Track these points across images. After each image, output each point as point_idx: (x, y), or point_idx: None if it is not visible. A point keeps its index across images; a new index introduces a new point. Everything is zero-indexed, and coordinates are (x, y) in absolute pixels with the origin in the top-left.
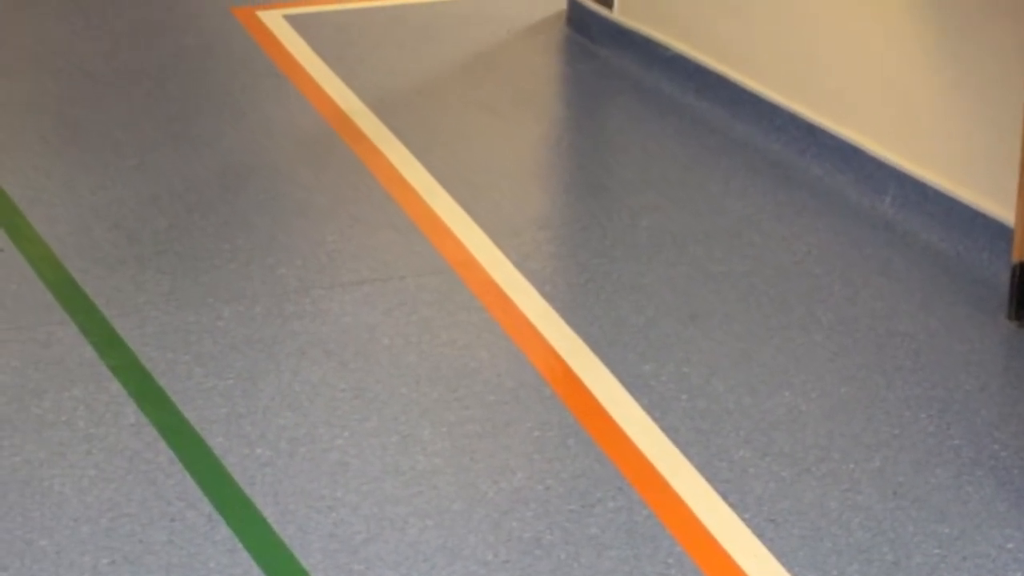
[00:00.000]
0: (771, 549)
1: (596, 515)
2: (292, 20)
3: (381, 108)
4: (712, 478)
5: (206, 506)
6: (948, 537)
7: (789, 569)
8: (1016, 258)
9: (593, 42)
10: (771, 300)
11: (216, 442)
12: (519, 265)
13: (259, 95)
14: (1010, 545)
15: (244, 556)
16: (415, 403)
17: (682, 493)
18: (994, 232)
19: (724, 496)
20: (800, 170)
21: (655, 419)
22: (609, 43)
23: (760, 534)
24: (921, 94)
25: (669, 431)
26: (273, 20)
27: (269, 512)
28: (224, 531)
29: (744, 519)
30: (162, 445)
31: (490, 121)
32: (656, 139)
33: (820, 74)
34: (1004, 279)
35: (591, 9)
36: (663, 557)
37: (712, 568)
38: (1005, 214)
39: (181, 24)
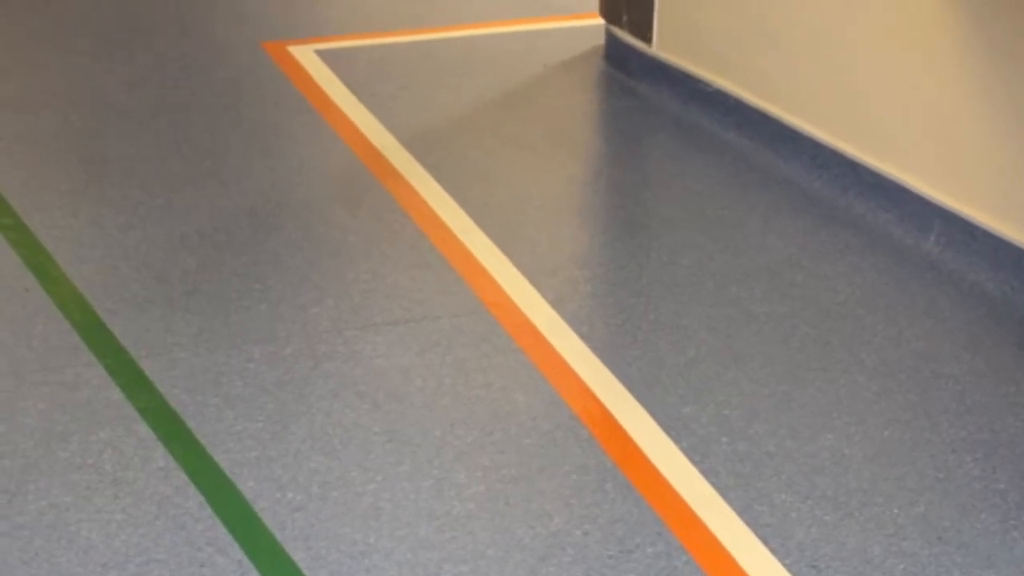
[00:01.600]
0: None
1: (635, 561)
2: (324, 55)
3: (415, 144)
4: (753, 522)
5: (236, 552)
6: None
7: None
8: None
9: (631, 77)
10: (813, 341)
11: (247, 486)
12: (556, 305)
13: (290, 131)
14: None
15: None
16: (449, 446)
17: (722, 538)
18: None
19: (765, 541)
20: (842, 208)
21: (695, 462)
22: (647, 78)
23: None
24: (966, 130)
25: (709, 474)
26: (304, 55)
27: (300, 558)
28: None
29: (785, 564)
30: (191, 489)
31: (526, 158)
32: (695, 176)
33: (863, 110)
34: None
35: (629, 44)
36: None
37: None
38: None
39: (210, 58)
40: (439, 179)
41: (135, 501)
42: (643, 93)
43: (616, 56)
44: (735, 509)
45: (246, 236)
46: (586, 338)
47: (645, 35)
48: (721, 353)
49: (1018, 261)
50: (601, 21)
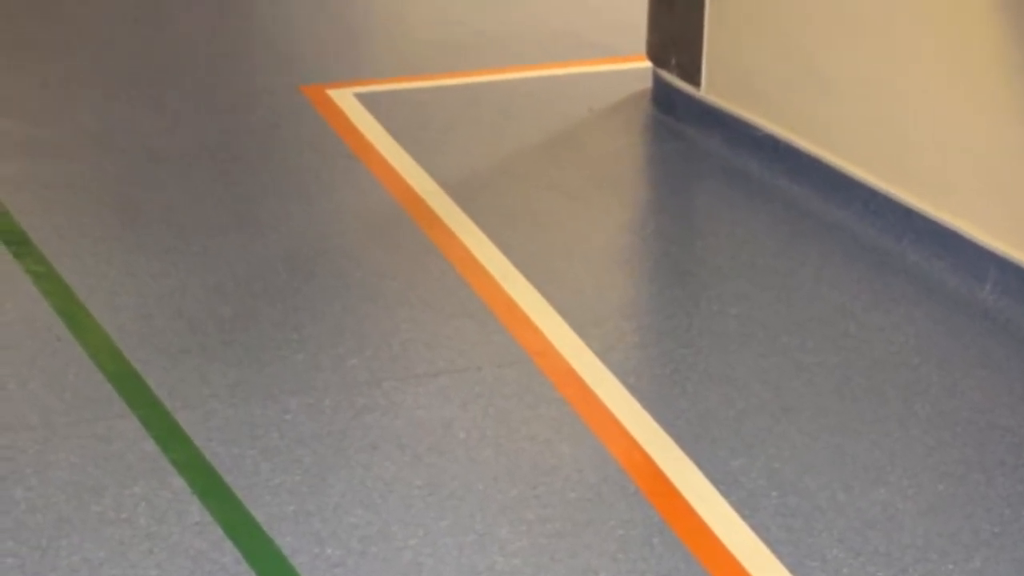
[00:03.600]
0: None
1: None
2: (363, 98)
3: (456, 190)
4: None
5: None
6: None
7: None
8: None
9: (679, 121)
10: (866, 392)
11: (284, 541)
12: (601, 355)
13: (329, 176)
14: None
15: None
16: (492, 500)
17: None
18: None
19: None
20: (896, 256)
21: (744, 517)
22: (696, 123)
23: None
24: (1022, 175)
25: (759, 529)
26: (344, 98)
27: None
28: None
29: None
30: (228, 544)
31: (571, 204)
32: (745, 223)
33: (916, 155)
34: None
35: (677, 87)
36: None
37: None
38: None
39: (247, 102)
40: (481, 225)
41: (169, 556)
42: (691, 138)
43: (664, 100)
44: (786, 565)
45: (283, 284)
46: (633, 389)
47: (693, 78)
48: (771, 405)
49: None
50: (648, 64)
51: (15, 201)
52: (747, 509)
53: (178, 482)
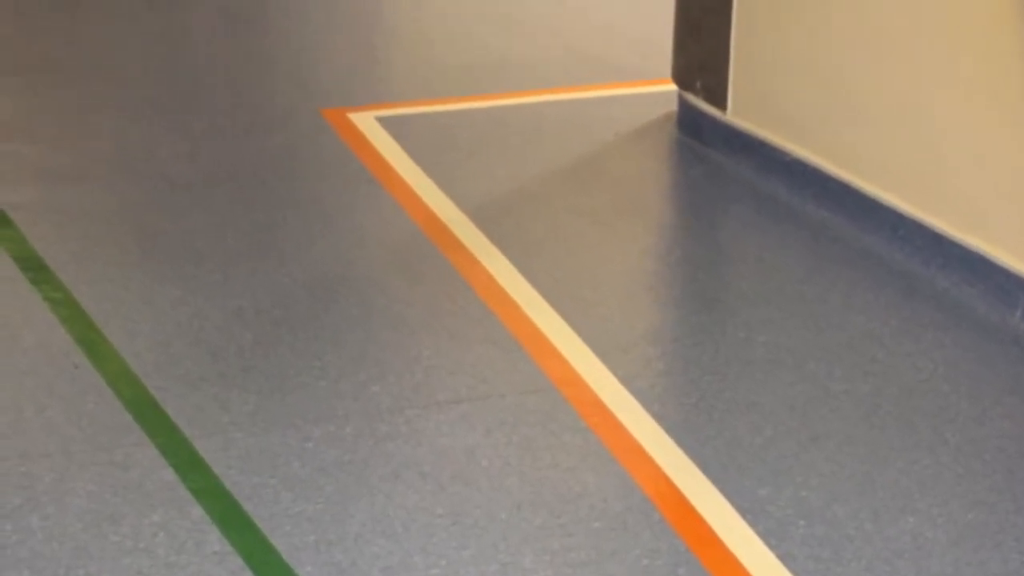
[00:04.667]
0: None
1: None
2: (386, 122)
3: (480, 216)
4: None
5: None
6: None
7: None
8: None
9: (705, 145)
10: (895, 420)
11: (305, 571)
12: (627, 383)
13: (351, 202)
14: None
15: None
16: (516, 529)
17: None
18: None
19: None
20: (926, 282)
21: (771, 546)
22: (722, 146)
23: None
24: None
25: (786, 559)
26: (365, 122)
27: None
28: None
29: None
30: (248, 574)
31: (596, 230)
32: (773, 249)
33: (947, 180)
34: None
35: (703, 110)
36: None
37: None
38: None
39: (267, 126)
40: (505, 251)
41: None
42: (717, 162)
43: (689, 123)
44: None
45: (304, 311)
46: (658, 417)
47: (720, 102)
48: (799, 432)
49: None
50: (674, 87)
51: (32, 227)
52: (774, 538)
53: (197, 511)
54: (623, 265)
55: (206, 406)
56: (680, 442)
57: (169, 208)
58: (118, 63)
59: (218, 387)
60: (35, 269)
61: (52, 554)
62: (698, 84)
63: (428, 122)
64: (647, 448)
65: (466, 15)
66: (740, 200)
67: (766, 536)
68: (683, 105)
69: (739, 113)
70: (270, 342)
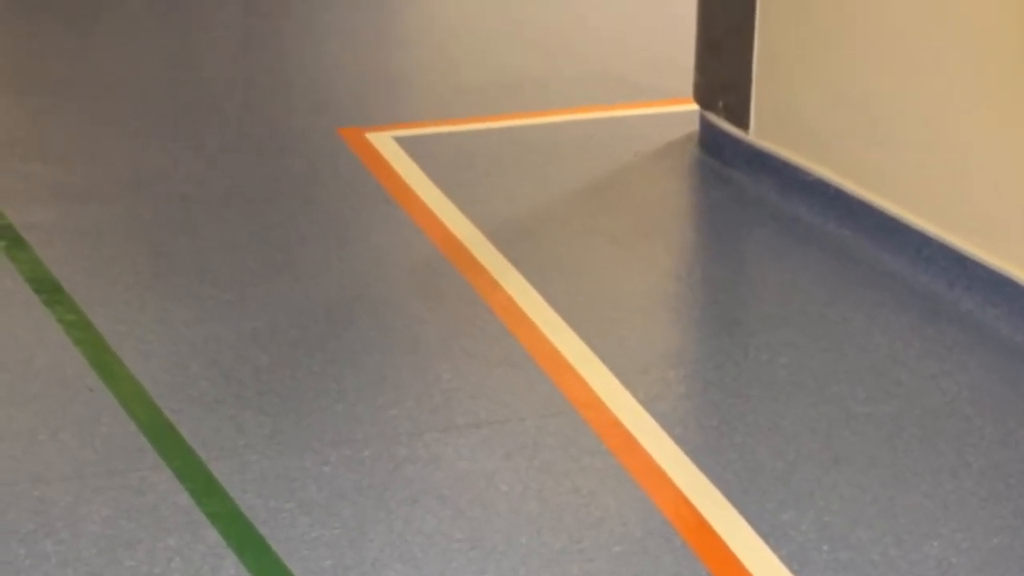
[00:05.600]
0: None
1: None
2: (403, 142)
3: (499, 236)
4: None
5: None
6: None
7: None
8: None
9: (727, 166)
10: (919, 443)
11: None
12: (647, 406)
13: (368, 222)
14: None
15: None
16: (536, 554)
17: None
18: None
19: None
20: (949, 303)
21: (794, 571)
22: (744, 167)
23: None
24: None
25: None
26: (383, 142)
27: None
28: None
29: None
30: None
31: (616, 251)
32: (795, 270)
33: (972, 200)
34: None
35: (725, 130)
36: None
37: None
38: None
39: (283, 145)
40: (524, 272)
41: None
42: (739, 182)
43: (711, 143)
44: None
45: (321, 332)
46: (680, 440)
47: (742, 121)
48: (822, 456)
49: None
50: (695, 107)
51: (46, 248)
52: (797, 563)
53: (213, 535)
54: (643, 286)
55: (222, 429)
56: (701, 465)
57: (184, 228)
58: (133, 82)
59: (234, 409)
60: (49, 290)
61: None
62: (720, 104)
63: (446, 142)
64: (668, 471)
65: (485, 34)
66: (762, 221)
67: (788, 560)
68: (705, 125)
69: (761, 133)
70: (287, 364)
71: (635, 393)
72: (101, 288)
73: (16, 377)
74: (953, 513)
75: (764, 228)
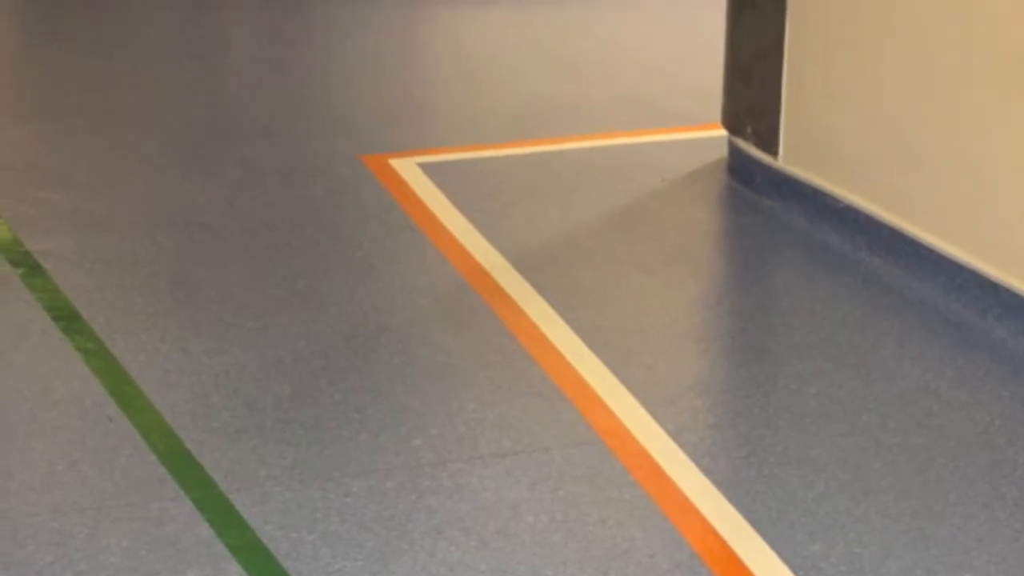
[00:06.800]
0: None
1: None
2: (427, 168)
3: (524, 264)
4: None
5: None
6: None
7: None
8: None
9: (756, 192)
10: (950, 474)
11: None
12: (675, 436)
13: (392, 250)
14: None
15: None
16: None
17: None
18: None
19: None
20: (982, 332)
21: None
22: (773, 193)
23: None
24: None
25: None
26: (407, 168)
27: None
28: None
29: None
30: None
31: (643, 278)
32: (825, 299)
33: (1004, 227)
34: None
35: (754, 156)
36: None
37: None
38: None
39: (306, 172)
40: (550, 301)
41: None
42: (768, 209)
43: (740, 170)
44: None
45: (344, 362)
46: (708, 471)
47: (771, 147)
48: (852, 487)
49: None
50: (723, 132)
51: (65, 275)
52: None
53: (234, 568)
54: (671, 315)
55: (243, 459)
56: (730, 496)
57: (205, 256)
58: (153, 109)
59: (256, 440)
60: (68, 319)
61: None
62: (749, 129)
63: (471, 168)
64: (696, 502)
65: (511, 59)
66: (791, 248)
67: None
68: (733, 151)
69: (791, 159)
70: (309, 393)
71: (662, 423)
72: (121, 316)
73: (35, 407)
74: (986, 545)
75: (793, 255)
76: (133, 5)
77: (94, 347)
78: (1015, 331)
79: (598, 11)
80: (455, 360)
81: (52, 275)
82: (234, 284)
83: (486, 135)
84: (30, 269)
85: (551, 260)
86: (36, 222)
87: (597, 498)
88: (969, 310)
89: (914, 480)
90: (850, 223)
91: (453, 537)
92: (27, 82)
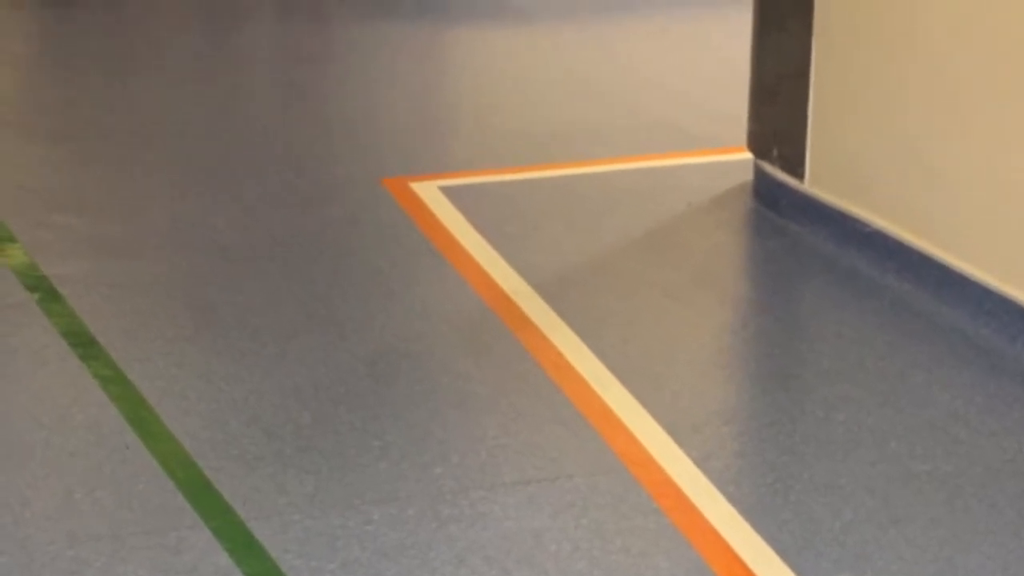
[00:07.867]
0: None
1: None
2: (449, 192)
3: (547, 289)
4: None
5: None
6: None
7: None
8: None
9: (782, 216)
10: (980, 503)
11: None
12: (700, 463)
13: (413, 274)
14: None
15: None
16: None
17: None
18: None
19: None
20: (1011, 359)
21: None
22: (800, 218)
23: None
24: None
25: None
26: (428, 192)
27: None
28: None
29: None
30: None
31: (668, 303)
32: (852, 324)
33: None
34: None
35: (780, 180)
36: None
37: None
38: None
39: (325, 195)
40: (573, 326)
41: None
42: (795, 233)
43: (765, 193)
44: None
45: (364, 388)
46: (733, 499)
47: (797, 171)
48: (880, 515)
49: None
50: (749, 156)
51: (82, 302)
52: None
53: None
54: (696, 340)
55: (262, 487)
56: (756, 525)
57: (224, 281)
58: (171, 131)
59: (275, 467)
60: (84, 344)
61: None
62: (775, 152)
63: (493, 192)
64: (722, 531)
65: (534, 82)
66: (818, 273)
67: None
68: (759, 174)
69: (817, 183)
70: (329, 420)
71: (688, 450)
72: (138, 343)
73: (52, 434)
74: (1014, 574)
75: (820, 280)
76: (152, 28)
77: (111, 373)
78: None
79: (622, 32)
80: (477, 386)
81: (69, 300)
82: (253, 309)
83: (508, 158)
84: (46, 294)
85: (574, 285)
86: (52, 246)
87: (621, 526)
88: (999, 336)
89: (942, 508)
90: (878, 247)
91: (475, 566)
92: (46, 105)
